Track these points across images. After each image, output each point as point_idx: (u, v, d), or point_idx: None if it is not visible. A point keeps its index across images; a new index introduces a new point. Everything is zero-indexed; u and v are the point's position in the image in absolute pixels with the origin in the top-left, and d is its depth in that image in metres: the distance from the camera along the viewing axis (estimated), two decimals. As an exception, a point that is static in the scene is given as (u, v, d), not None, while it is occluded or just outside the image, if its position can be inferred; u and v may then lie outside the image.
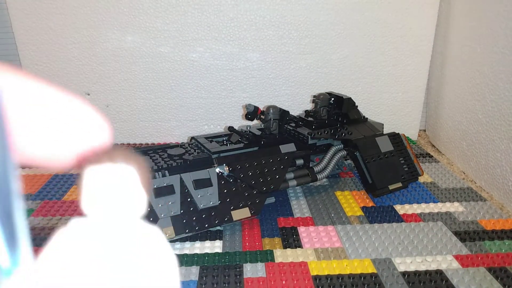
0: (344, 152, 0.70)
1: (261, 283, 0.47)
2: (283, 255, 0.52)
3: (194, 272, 0.49)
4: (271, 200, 0.63)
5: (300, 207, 0.64)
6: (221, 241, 0.55)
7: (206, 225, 0.54)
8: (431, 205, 0.64)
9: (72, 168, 0.10)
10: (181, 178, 0.54)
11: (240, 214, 0.57)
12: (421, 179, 0.72)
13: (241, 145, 0.61)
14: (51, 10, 0.81)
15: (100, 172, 0.09)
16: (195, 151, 0.60)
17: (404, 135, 0.72)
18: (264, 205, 0.61)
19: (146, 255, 0.09)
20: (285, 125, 0.71)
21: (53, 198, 0.67)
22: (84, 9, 0.81)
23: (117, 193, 0.09)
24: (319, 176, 0.68)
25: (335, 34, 0.87)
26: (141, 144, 0.93)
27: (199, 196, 0.54)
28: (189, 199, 0.54)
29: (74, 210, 0.63)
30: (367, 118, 0.76)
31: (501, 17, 0.66)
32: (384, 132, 0.72)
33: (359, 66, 0.90)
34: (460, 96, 0.81)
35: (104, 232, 0.09)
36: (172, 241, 0.54)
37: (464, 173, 0.78)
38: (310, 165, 0.68)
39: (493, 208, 0.63)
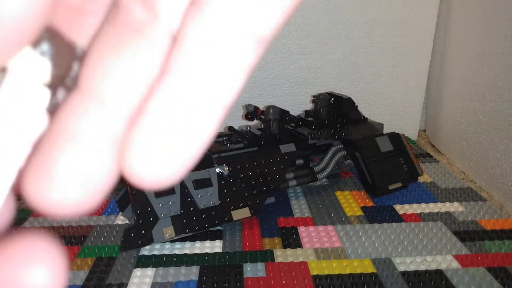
0: (344, 152, 0.70)
1: (261, 283, 0.47)
2: (283, 255, 0.52)
3: (194, 272, 0.49)
4: (271, 200, 0.64)
5: (300, 207, 0.64)
6: (221, 241, 0.55)
7: (206, 225, 0.54)
8: (431, 205, 0.64)
9: None
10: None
11: (240, 214, 0.57)
12: (421, 179, 0.72)
13: (241, 145, 0.62)
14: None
15: None
16: None
17: (404, 135, 0.72)
18: (264, 205, 0.61)
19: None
20: (285, 125, 0.71)
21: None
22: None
23: None
24: (319, 176, 0.68)
25: (335, 34, 0.87)
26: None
27: (199, 196, 0.54)
28: (189, 199, 0.54)
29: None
30: (367, 118, 0.76)
31: (501, 17, 0.66)
32: (384, 132, 0.72)
33: (359, 66, 0.90)
34: (460, 96, 0.81)
35: None
36: (172, 241, 0.54)
37: (464, 173, 0.78)
38: (310, 165, 0.68)
39: (493, 208, 0.63)
